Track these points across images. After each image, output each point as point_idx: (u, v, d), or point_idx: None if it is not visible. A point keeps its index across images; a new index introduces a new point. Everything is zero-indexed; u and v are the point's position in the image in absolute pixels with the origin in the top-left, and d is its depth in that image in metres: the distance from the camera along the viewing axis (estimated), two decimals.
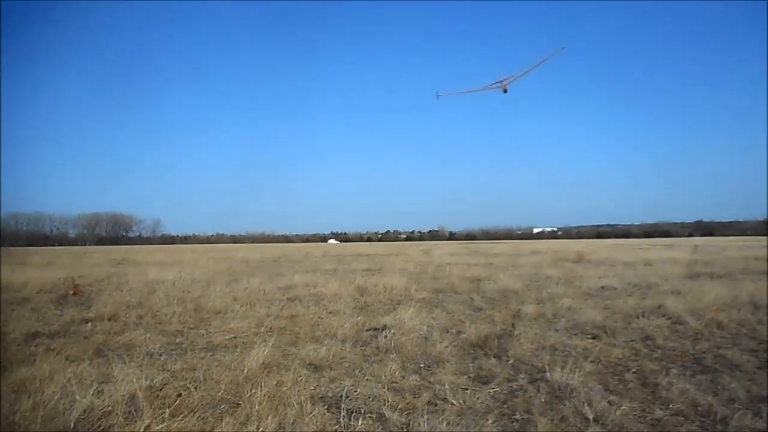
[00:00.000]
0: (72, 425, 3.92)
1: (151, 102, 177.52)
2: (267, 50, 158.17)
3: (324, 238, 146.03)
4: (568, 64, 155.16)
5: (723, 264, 19.37)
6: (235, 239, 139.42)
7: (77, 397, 4.30)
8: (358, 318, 8.56)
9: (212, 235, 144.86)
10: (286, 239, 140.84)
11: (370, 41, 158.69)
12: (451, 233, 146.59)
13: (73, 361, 5.87)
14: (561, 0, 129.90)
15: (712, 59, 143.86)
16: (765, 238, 63.45)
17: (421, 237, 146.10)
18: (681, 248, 34.39)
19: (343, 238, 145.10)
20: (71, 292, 11.48)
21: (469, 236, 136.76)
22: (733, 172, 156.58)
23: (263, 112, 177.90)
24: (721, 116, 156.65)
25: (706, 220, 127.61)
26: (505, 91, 42.46)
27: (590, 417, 4.04)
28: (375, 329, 7.62)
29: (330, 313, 9.22)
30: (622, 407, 4.24)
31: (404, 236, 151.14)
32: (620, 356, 6.04)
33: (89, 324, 8.27)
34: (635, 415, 4.17)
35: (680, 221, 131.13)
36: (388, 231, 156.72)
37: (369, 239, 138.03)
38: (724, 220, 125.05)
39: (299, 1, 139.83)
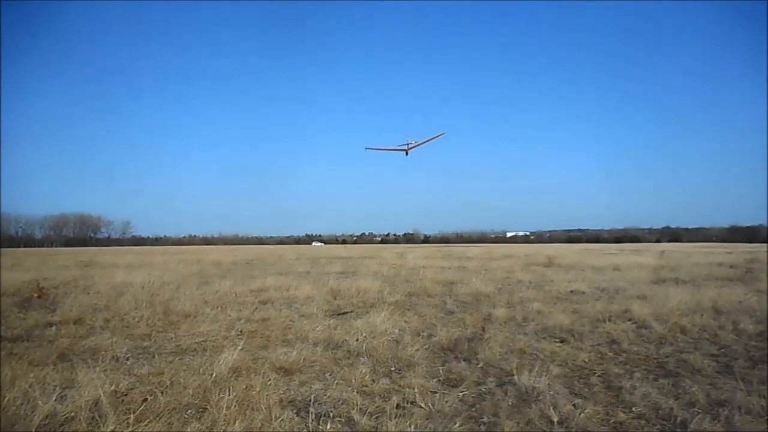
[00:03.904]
0: (33, 431, 3.84)
1: (120, 102, 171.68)
2: (240, 51, 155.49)
3: (298, 240, 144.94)
4: (542, 72, 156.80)
5: (688, 270, 19.90)
6: (207, 241, 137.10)
7: (39, 402, 4.22)
8: (330, 321, 8.54)
9: (184, 237, 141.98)
10: (260, 241, 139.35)
11: (337, 44, 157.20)
12: (425, 236, 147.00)
13: (36, 365, 5.75)
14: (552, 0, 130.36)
15: (684, 65, 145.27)
16: (728, 244, 65.64)
17: (396, 240, 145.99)
18: (648, 253, 35.14)
19: (318, 240, 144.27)
20: (35, 295, 11.16)
21: (444, 239, 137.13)
22: (700, 180, 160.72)
23: (234, 114, 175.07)
24: (691, 124, 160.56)
25: (673, 226, 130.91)
26: (407, 153, 52.67)
27: (555, 420, 4.13)
28: (346, 332, 7.61)
29: (302, 316, 9.18)
30: (587, 410, 4.35)
31: (379, 239, 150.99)
32: (586, 360, 6.18)
33: (54, 328, 8.09)
34: (599, 418, 4.27)
35: (649, 227, 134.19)
36: (363, 233, 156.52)
37: (344, 241, 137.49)
38: (690, 227, 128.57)
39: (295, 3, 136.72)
